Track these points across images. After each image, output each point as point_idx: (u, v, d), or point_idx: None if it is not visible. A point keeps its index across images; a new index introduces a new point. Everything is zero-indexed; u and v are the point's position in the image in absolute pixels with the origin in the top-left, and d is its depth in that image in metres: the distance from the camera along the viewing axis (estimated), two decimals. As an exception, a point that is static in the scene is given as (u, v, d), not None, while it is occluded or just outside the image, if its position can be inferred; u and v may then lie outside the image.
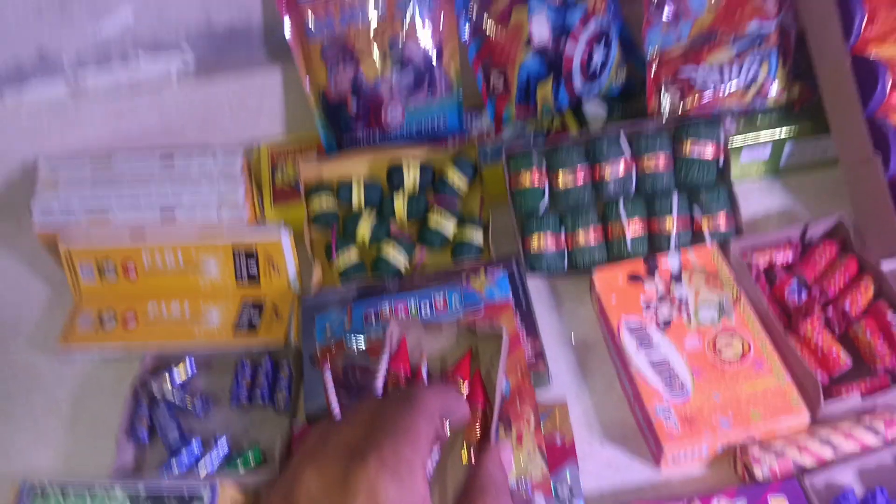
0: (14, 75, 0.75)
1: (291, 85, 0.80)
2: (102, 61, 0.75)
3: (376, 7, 0.73)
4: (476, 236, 0.72)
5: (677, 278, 0.67)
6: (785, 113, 0.76)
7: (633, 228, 0.70)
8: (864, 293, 0.64)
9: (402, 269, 0.72)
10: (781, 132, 0.74)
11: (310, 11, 0.73)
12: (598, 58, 0.75)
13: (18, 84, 0.75)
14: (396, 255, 0.72)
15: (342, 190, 0.75)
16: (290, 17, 0.73)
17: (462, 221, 0.74)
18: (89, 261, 0.74)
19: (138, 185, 0.75)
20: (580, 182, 0.70)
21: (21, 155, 0.80)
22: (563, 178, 0.70)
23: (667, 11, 0.72)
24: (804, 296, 0.66)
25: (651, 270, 0.67)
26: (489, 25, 0.74)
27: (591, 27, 0.74)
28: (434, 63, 0.76)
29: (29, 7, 0.70)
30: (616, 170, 0.70)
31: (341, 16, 0.73)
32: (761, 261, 0.69)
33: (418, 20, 0.74)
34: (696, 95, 0.74)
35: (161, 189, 0.75)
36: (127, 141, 0.80)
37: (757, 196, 0.76)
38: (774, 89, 0.74)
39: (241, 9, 0.74)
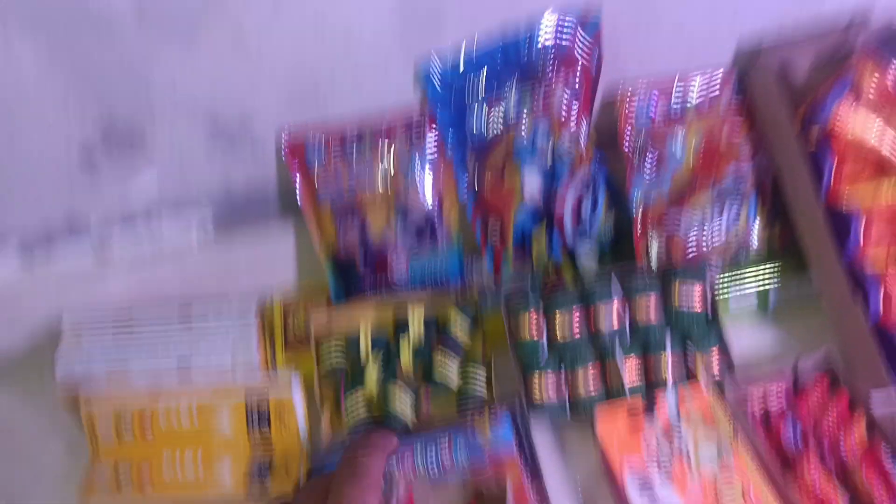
0: (43, 239, 0.80)
1: (303, 239, 0.85)
2: (127, 221, 0.81)
3: (380, 169, 0.79)
4: (480, 380, 0.75)
5: (675, 417, 0.68)
6: (768, 254, 0.79)
7: (629, 365, 0.72)
8: (858, 428, 0.65)
9: (409, 424, 0.74)
10: (765, 274, 0.78)
11: (319, 174, 0.79)
12: (587, 209, 0.80)
13: (47, 247, 0.81)
14: (403, 403, 0.74)
15: (350, 340, 0.78)
16: (301, 178, 0.79)
17: (465, 365, 0.76)
18: (108, 420, 0.77)
19: (157, 338, 0.79)
20: (576, 322, 0.74)
21: (46, 314, 0.84)
22: (560, 319, 0.73)
23: (648, 165, 0.78)
24: (800, 436, 0.67)
25: (650, 407, 0.69)
26: (485, 182, 0.80)
27: (580, 179, 0.79)
28: (435, 217, 0.81)
29: (62, 174, 0.76)
30: (609, 310, 0.73)
31: (349, 177, 0.79)
32: (755, 397, 0.71)
33: (420, 180, 0.80)
34: (681, 240, 0.78)
35: (178, 342, 0.78)
36: (147, 296, 0.84)
37: (747, 335, 0.79)
38: (756, 232, 0.79)
39: (258, 172, 0.80)
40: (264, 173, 0.81)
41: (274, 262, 0.86)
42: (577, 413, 0.72)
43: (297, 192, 0.79)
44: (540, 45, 0.75)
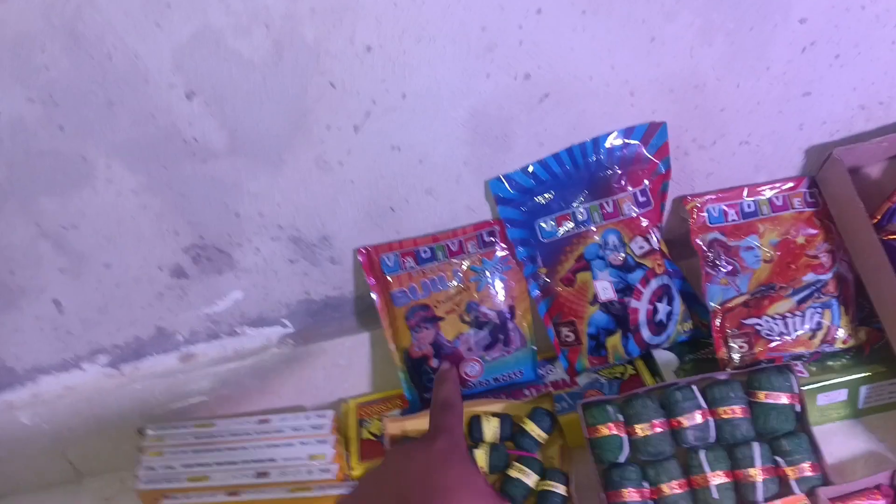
0: (133, 351, 0.84)
1: (378, 345, 0.87)
2: (212, 337, 0.84)
3: (454, 276, 0.81)
4: (558, 488, 0.74)
5: (770, 532, 0.66)
6: (856, 356, 0.78)
7: (717, 480, 0.70)
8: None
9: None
10: (854, 375, 0.76)
11: (395, 282, 0.81)
12: (662, 311, 0.80)
13: (136, 358, 0.85)
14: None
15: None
16: (377, 286, 0.82)
17: (544, 473, 0.75)
18: (187, 526, 0.78)
19: (236, 448, 0.81)
20: (658, 430, 0.72)
21: (131, 417, 0.87)
22: (642, 429, 0.72)
23: (723, 269, 0.78)
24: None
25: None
26: (556, 286, 0.81)
27: (653, 285, 0.80)
28: (508, 320, 0.82)
29: (153, 292, 0.80)
30: (693, 419, 0.72)
31: (423, 284, 0.81)
32: (854, 510, 0.68)
33: (492, 285, 0.81)
34: (764, 344, 0.77)
35: (256, 450, 0.80)
36: (229, 403, 0.87)
37: (840, 439, 0.76)
38: (841, 335, 0.77)
39: (335, 285, 0.83)
40: (342, 289, 0.84)
41: (349, 370, 0.88)
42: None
43: (374, 300, 0.81)
44: (606, 162, 0.78)
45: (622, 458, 0.73)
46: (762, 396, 0.71)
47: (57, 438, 0.87)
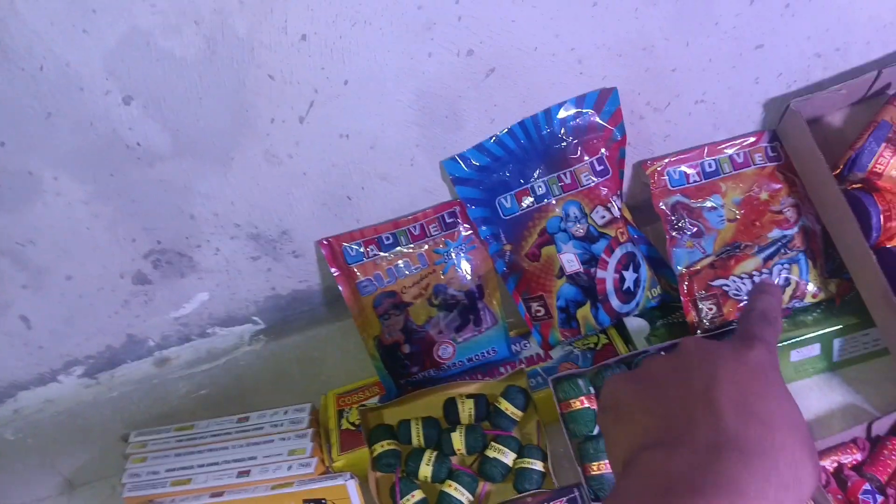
0: (106, 359, 0.84)
1: (351, 334, 0.86)
2: (184, 339, 0.84)
3: (418, 261, 0.80)
4: (536, 465, 0.73)
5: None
6: (828, 309, 0.77)
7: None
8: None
9: (467, 503, 0.73)
10: (826, 328, 0.75)
11: (359, 271, 0.81)
12: (629, 279, 0.79)
13: (110, 366, 0.85)
14: (460, 493, 0.73)
15: (402, 429, 0.78)
16: (342, 277, 0.81)
17: (521, 450, 0.75)
18: (173, 527, 0.79)
19: (217, 448, 0.81)
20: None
21: (113, 426, 0.87)
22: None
23: (687, 231, 0.77)
24: (879, 499, 0.63)
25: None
26: (522, 262, 0.80)
27: (618, 253, 0.79)
28: (477, 300, 0.82)
29: (118, 300, 0.80)
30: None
31: (388, 271, 0.81)
32: (829, 463, 0.67)
33: (457, 265, 0.81)
34: (733, 304, 0.76)
35: (237, 449, 0.80)
36: (207, 403, 0.87)
37: (816, 394, 0.76)
38: (810, 289, 0.76)
39: (301, 278, 0.83)
40: (308, 281, 0.83)
41: (324, 362, 0.88)
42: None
43: (341, 292, 0.81)
44: (559, 133, 0.76)
45: (596, 431, 0.72)
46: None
47: (43, 452, 0.88)
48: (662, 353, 0.40)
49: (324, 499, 0.76)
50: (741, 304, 0.76)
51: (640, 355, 0.73)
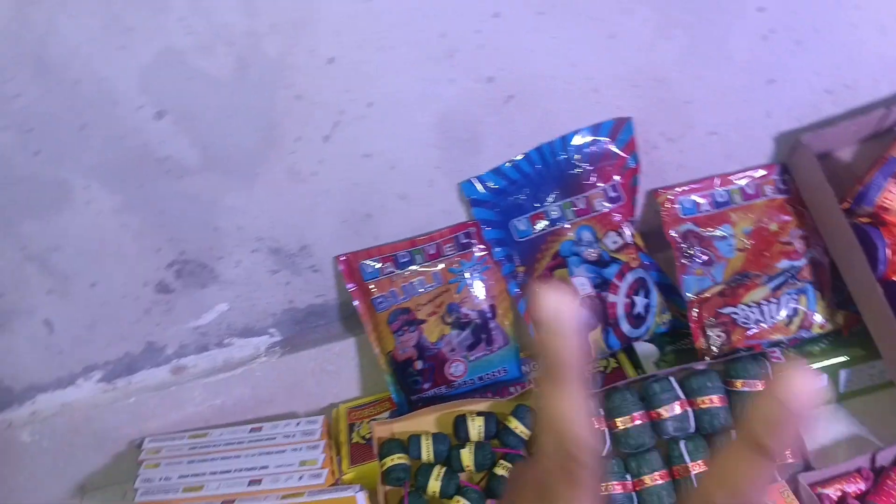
0: (125, 366, 0.86)
1: (364, 349, 0.88)
2: (202, 349, 0.86)
3: (433, 279, 0.82)
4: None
5: (749, 520, 0.66)
6: (835, 340, 0.78)
7: (698, 469, 0.71)
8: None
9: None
10: (832, 359, 0.76)
11: (376, 287, 0.83)
12: (640, 304, 0.81)
13: (128, 372, 0.87)
14: (468, 510, 0.74)
15: (412, 444, 0.80)
16: (359, 292, 0.83)
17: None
18: (185, 535, 0.80)
19: (230, 456, 0.82)
20: (637, 423, 0.73)
21: (128, 431, 0.89)
22: (622, 422, 0.73)
23: (698, 259, 0.79)
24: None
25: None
26: (535, 284, 0.82)
27: (629, 279, 0.80)
28: (489, 319, 0.83)
29: (140, 308, 0.82)
30: (672, 410, 0.73)
31: (403, 288, 0.83)
32: (833, 491, 0.68)
33: (471, 285, 0.83)
34: (741, 332, 0.78)
35: (249, 458, 0.82)
36: (222, 413, 0.89)
37: (822, 424, 0.77)
38: (818, 320, 0.77)
39: (318, 292, 0.85)
40: (325, 296, 0.86)
41: (338, 375, 0.89)
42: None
43: (357, 307, 0.83)
44: (574, 160, 0.78)
45: (604, 452, 0.73)
46: (739, 384, 0.72)
47: (58, 455, 0.89)
48: None
49: (333, 510, 0.77)
50: (750, 333, 0.78)
51: (648, 379, 0.74)
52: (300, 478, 0.80)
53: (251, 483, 0.80)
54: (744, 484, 0.30)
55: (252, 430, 0.86)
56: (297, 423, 0.85)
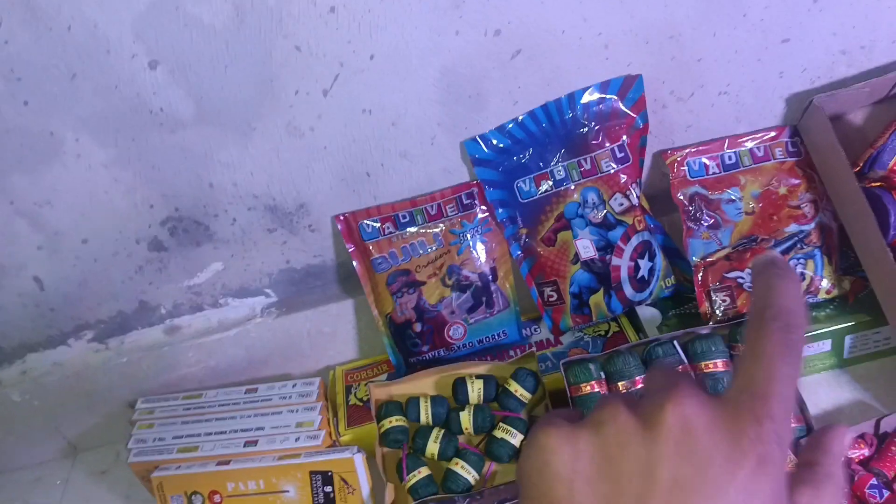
0: (117, 325, 0.84)
1: (362, 311, 0.87)
2: (196, 309, 0.84)
3: (434, 240, 0.81)
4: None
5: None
6: (840, 305, 0.77)
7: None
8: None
9: (472, 482, 0.73)
10: (838, 325, 0.75)
11: (374, 248, 0.81)
12: (644, 267, 0.80)
13: (121, 332, 0.85)
14: (466, 472, 0.74)
15: (410, 407, 0.79)
16: (357, 253, 0.81)
17: (528, 432, 0.76)
18: (179, 492, 0.79)
19: (225, 417, 0.81)
20: (640, 387, 0.72)
21: (121, 391, 0.87)
22: (624, 386, 0.72)
23: (704, 223, 0.77)
24: (885, 494, 0.64)
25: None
26: (538, 246, 0.80)
27: (634, 242, 0.79)
28: (490, 282, 0.82)
29: (132, 266, 0.80)
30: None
31: (403, 249, 0.81)
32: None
33: (472, 247, 0.81)
34: (747, 297, 0.76)
35: (245, 419, 0.81)
36: (216, 374, 0.87)
37: (825, 389, 0.76)
38: (824, 285, 0.76)
39: (315, 252, 0.83)
40: (323, 256, 0.84)
41: (335, 337, 0.88)
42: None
43: (355, 267, 0.81)
44: (582, 118, 0.76)
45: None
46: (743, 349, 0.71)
47: (49, 415, 0.88)
48: (635, 409, 0.29)
49: (331, 471, 0.76)
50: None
51: (651, 343, 0.73)
52: (296, 439, 0.79)
53: (247, 444, 0.79)
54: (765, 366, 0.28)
55: (247, 392, 0.84)
56: (294, 385, 0.83)
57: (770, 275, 0.30)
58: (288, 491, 0.77)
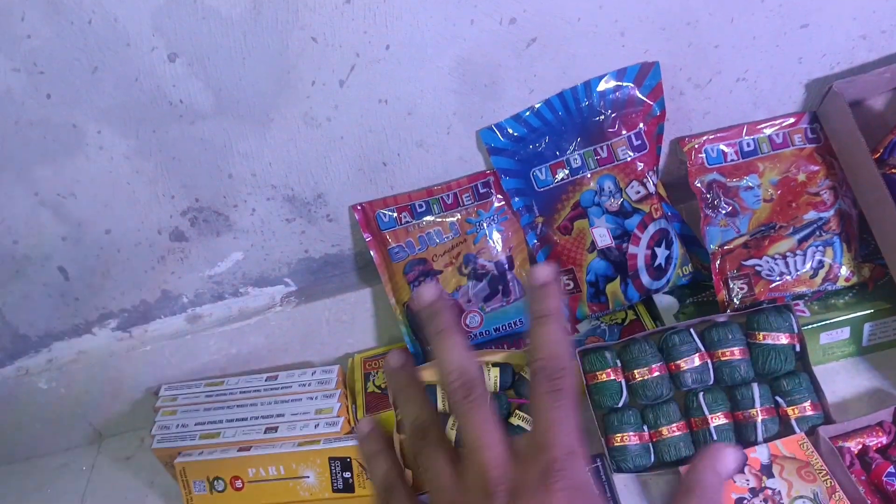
0: (140, 314, 0.86)
1: (380, 299, 0.87)
2: (217, 297, 0.86)
3: (450, 229, 0.81)
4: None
5: (768, 471, 0.66)
6: (860, 293, 0.76)
7: (717, 421, 0.70)
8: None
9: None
10: (857, 312, 0.74)
11: (391, 237, 0.81)
12: (661, 256, 0.80)
13: (144, 321, 0.86)
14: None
15: (428, 394, 0.79)
16: (374, 242, 0.82)
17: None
18: (201, 477, 0.80)
19: (246, 404, 0.83)
20: (655, 374, 0.72)
21: (145, 379, 0.89)
22: (640, 373, 0.72)
23: (722, 210, 0.77)
24: (907, 486, 0.64)
25: (741, 466, 0.67)
26: (554, 234, 0.81)
27: (651, 230, 0.79)
28: (506, 270, 0.82)
29: (154, 256, 0.81)
30: (691, 362, 0.72)
31: (419, 238, 0.81)
32: (854, 445, 0.68)
33: (489, 236, 0.81)
34: (765, 285, 0.76)
35: (265, 406, 0.82)
36: (237, 361, 0.89)
37: (843, 377, 0.76)
38: (843, 272, 0.76)
39: (334, 242, 0.84)
40: (341, 245, 0.84)
41: (353, 325, 0.89)
42: (662, 459, 0.71)
43: (372, 257, 0.82)
44: (598, 106, 0.76)
45: (621, 403, 0.73)
46: (761, 337, 0.71)
47: (75, 402, 0.90)
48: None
49: (349, 457, 0.77)
50: (773, 285, 0.76)
51: (668, 331, 0.73)
52: (316, 426, 0.80)
53: (267, 430, 0.81)
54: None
55: (268, 379, 0.86)
56: (313, 373, 0.85)
57: (532, 323, 0.35)
58: (308, 476, 0.78)
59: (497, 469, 0.33)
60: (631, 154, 0.78)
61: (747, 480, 0.66)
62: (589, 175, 0.78)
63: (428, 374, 0.81)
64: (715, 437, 0.70)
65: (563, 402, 0.34)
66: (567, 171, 0.78)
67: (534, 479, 0.33)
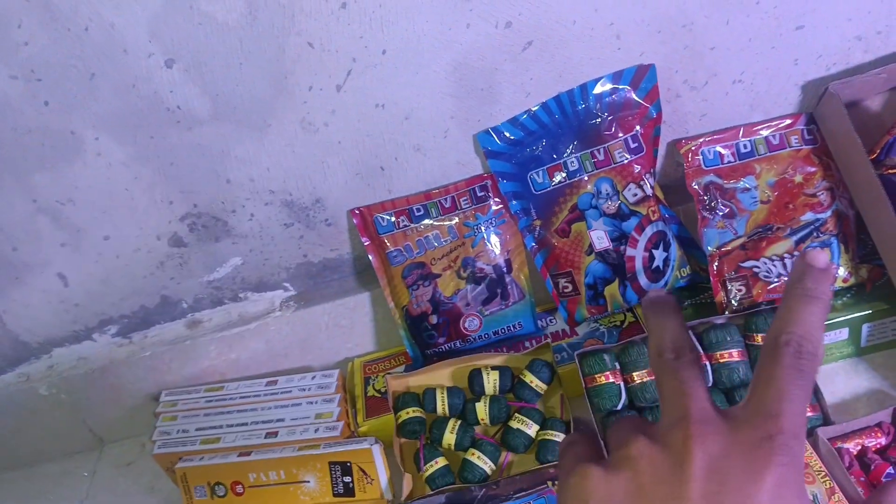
0: (140, 319, 0.86)
1: (379, 303, 0.88)
2: (216, 303, 0.86)
3: (448, 233, 0.81)
4: (559, 437, 0.74)
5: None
6: (858, 294, 0.76)
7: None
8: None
9: (489, 472, 0.74)
10: (855, 313, 0.75)
11: (390, 241, 0.82)
12: (659, 258, 0.80)
13: (144, 326, 0.87)
14: (482, 462, 0.74)
15: (427, 398, 0.80)
16: (373, 246, 0.82)
17: (544, 423, 0.76)
18: (202, 483, 0.81)
19: (246, 409, 0.83)
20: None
21: (145, 385, 0.89)
22: (639, 376, 0.72)
23: (719, 212, 0.77)
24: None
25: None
26: (552, 237, 0.81)
27: (648, 232, 0.79)
28: (505, 274, 0.82)
29: (153, 262, 0.81)
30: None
31: (418, 242, 0.82)
32: (853, 446, 0.68)
33: (487, 239, 0.81)
34: (762, 286, 0.76)
35: (265, 411, 0.82)
36: (237, 366, 0.89)
37: (842, 378, 0.76)
38: (841, 273, 0.76)
39: (332, 246, 0.84)
40: (339, 250, 0.85)
41: (352, 330, 0.89)
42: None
43: (371, 261, 0.82)
44: (595, 109, 0.76)
45: (619, 406, 0.73)
46: (759, 339, 0.71)
47: (76, 407, 0.90)
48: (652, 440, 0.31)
49: (349, 461, 0.77)
50: (771, 287, 0.76)
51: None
52: (316, 430, 0.80)
53: (268, 435, 0.81)
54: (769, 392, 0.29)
55: (268, 384, 0.86)
56: (313, 377, 0.85)
57: (797, 298, 0.31)
58: (308, 481, 0.78)
59: (700, 413, 0.30)
60: (628, 156, 0.78)
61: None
62: (586, 178, 0.78)
63: (426, 378, 0.81)
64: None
65: (804, 382, 0.30)
66: (564, 174, 0.79)
67: (752, 441, 0.29)
